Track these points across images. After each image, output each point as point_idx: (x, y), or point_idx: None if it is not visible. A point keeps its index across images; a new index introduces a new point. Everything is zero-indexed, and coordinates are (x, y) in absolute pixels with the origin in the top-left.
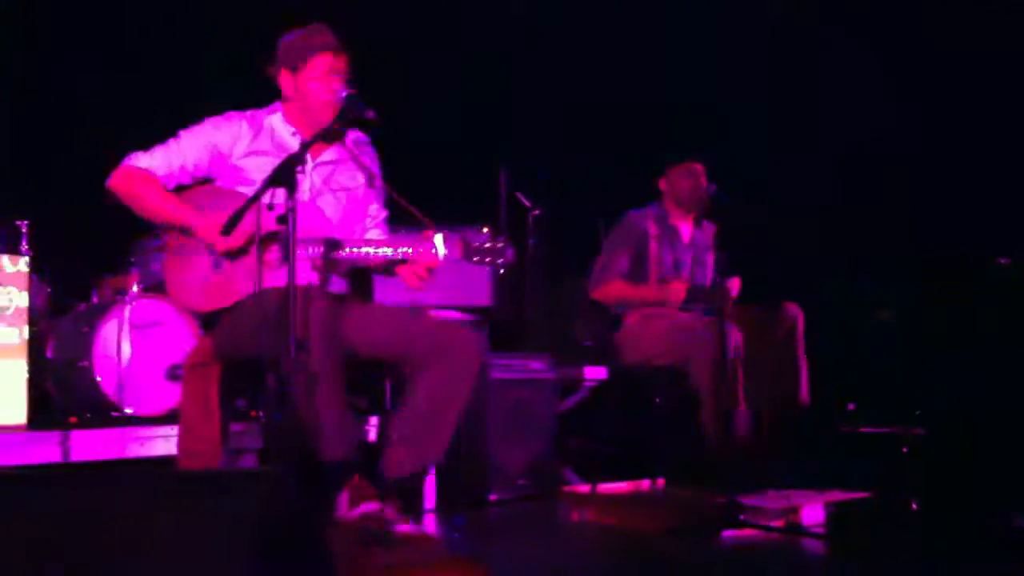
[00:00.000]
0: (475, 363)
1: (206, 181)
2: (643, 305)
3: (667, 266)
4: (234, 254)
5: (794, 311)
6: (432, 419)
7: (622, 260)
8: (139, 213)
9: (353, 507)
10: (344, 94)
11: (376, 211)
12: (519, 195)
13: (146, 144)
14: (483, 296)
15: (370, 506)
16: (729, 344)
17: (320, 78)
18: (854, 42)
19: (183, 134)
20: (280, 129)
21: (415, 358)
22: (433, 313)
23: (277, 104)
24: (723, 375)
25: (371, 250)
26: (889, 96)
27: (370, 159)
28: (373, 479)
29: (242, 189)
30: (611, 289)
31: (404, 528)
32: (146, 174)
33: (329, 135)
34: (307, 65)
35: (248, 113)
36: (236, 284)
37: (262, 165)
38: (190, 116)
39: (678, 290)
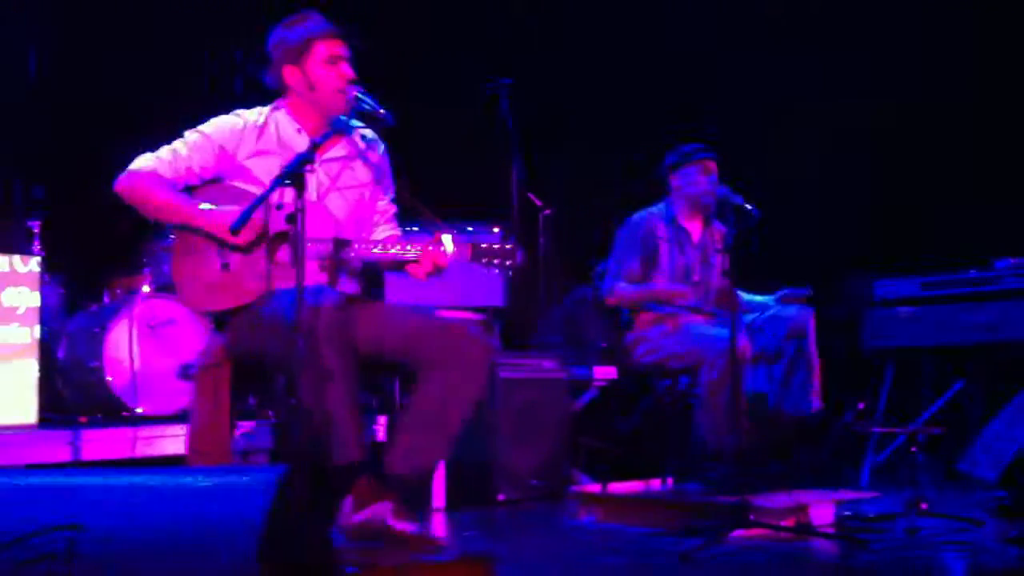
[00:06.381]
0: (483, 365)
1: (214, 180)
2: (655, 302)
3: (678, 268)
4: (244, 249)
5: (804, 315)
6: (438, 418)
7: (632, 264)
8: (147, 215)
9: (358, 510)
10: (355, 93)
11: (385, 207)
12: (531, 195)
13: (155, 144)
14: (496, 296)
15: (376, 508)
16: (739, 348)
17: (326, 64)
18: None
19: (189, 134)
20: (285, 127)
21: (424, 358)
22: (443, 313)
23: (281, 101)
24: (733, 379)
25: (380, 250)
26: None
27: (379, 155)
28: (381, 479)
29: (250, 189)
30: (624, 292)
31: (407, 528)
32: (153, 175)
33: (339, 129)
34: (310, 53)
35: (254, 111)
36: (246, 284)
37: (268, 165)
38: (199, 114)
39: (683, 294)
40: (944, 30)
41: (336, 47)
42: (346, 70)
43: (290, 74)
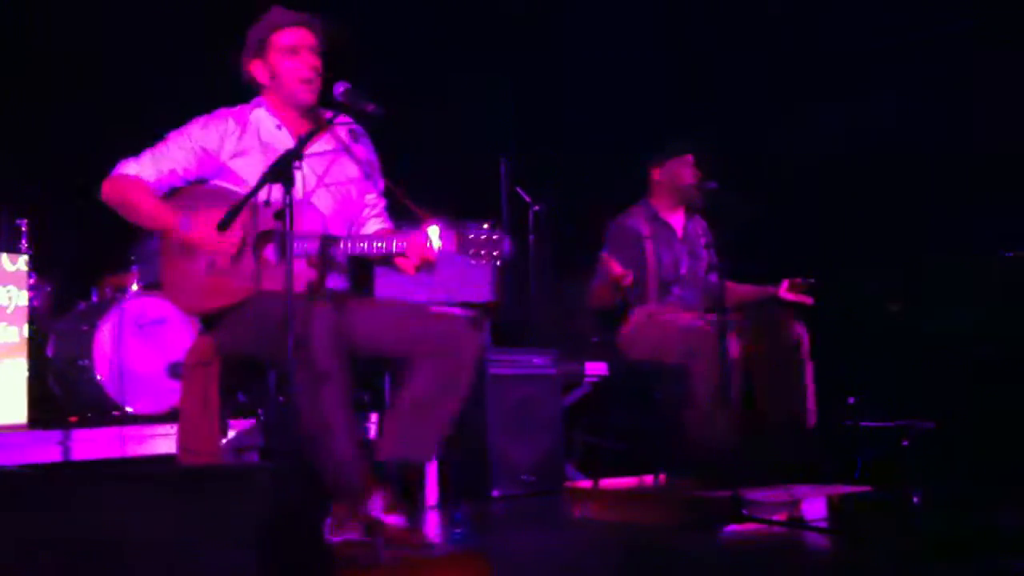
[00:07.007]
0: (474, 359)
1: (199, 181)
2: (613, 290)
3: (665, 264)
4: (231, 255)
5: (799, 330)
6: (429, 410)
7: (613, 267)
8: (131, 221)
9: (336, 532)
10: (343, 88)
11: (374, 200)
12: (520, 190)
13: (140, 141)
14: (485, 292)
15: (353, 533)
16: (728, 348)
17: (288, 53)
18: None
19: (172, 136)
20: (265, 123)
21: (418, 351)
22: (433, 307)
23: (259, 98)
24: (721, 377)
25: (366, 244)
26: (895, 87)
27: (365, 149)
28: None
29: (234, 188)
30: (593, 288)
31: (396, 522)
32: (137, 181)
33: (323, 124)
34: (270, 44)
35: (235, 109)
36: (234, 284)
37: (250, 164)
38: (183, 111)
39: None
40: (944, 29)
41: (298, 36)
42: (309, 59)
43: (255, 68)
